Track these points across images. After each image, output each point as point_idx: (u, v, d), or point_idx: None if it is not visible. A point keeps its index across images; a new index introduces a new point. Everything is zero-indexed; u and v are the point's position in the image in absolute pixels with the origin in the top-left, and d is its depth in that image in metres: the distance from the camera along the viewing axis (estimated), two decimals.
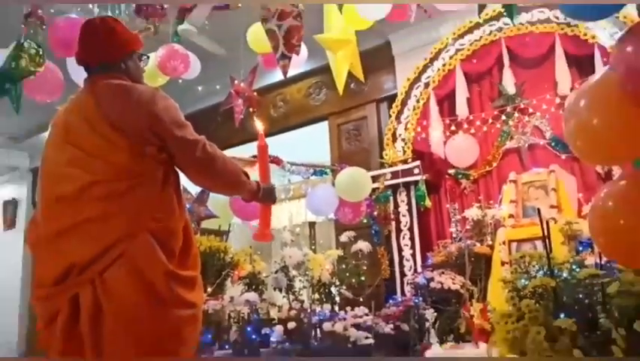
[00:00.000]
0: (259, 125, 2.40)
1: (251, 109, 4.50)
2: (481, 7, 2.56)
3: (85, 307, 1.76)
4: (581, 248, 3.57)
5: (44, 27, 4.05)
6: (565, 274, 2.17)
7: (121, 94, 1.91)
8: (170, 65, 4.42)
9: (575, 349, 1.87)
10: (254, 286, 4.20)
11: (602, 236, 1.55)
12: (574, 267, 2.20)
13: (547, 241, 2.23)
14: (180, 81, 4.79)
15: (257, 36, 3.98)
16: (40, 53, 3.95)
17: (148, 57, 2.26)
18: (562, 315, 1.97)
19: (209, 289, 3.94)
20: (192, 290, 1.91)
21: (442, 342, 3.86)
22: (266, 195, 2.16)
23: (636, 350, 1.78)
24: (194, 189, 4.25)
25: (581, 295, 2.07)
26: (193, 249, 1.97)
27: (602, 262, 2.31)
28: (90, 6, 3.89)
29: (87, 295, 1.76)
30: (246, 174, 2.07)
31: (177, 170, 1.99)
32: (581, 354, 1.86)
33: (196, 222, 4.17)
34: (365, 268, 4.82)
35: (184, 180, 4.32)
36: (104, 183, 1.83)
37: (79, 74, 2.63)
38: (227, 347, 3.79)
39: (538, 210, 2.44)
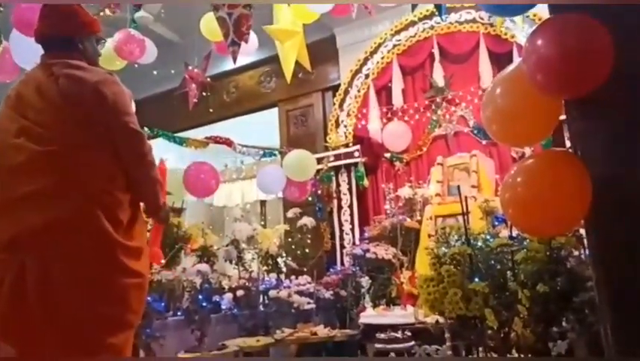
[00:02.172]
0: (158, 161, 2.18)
1: (204, 93, 4.37)
2: (414, 5, 2.54)
3: (32, 274, 1.65)
4: (496, 223, 3.68)
5: (1, 9, 3.78)
6: (480, 244, 2.23)
7: (74, 73, 1.80)
8: (127, 49, 4.23)
9: (487, 308, 1.93)
10: (206, 258, 4.12)
11: (510, 208, 1.59)
12: (488, 237, 2.27)
13: (464, 211, 2.28)
14: (136, 66, 4.60)
15: (210, 24, 3.85)
16: None
17: (105, 41, 2.13)
18: (476, 279, 2.03)
19: (163, 261, 3.82)
20: (138, 260, 1.83)
21: (375, 306, 3.93)
22: (166, 215, 2.09)
23: (538, 307, 1.86)
24: None
25: (493, 262, 2.13)
26: (140, 220, 1.89)
27: (513, 234, 2.40)
28: None
29: (34, 263, 1.66)
30: (161, 185, 1.97)
31: None
32: (491, 313, 1.92)
33: None
34: (309, 241, 4.85)
35: None
36: (53, 154, 1.72)
37: (23, 57, 2.47)
38: (179, 313, 3.71)
39: (458, 187, 2.50)
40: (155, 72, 5.39)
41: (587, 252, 1.78)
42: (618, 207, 1.44)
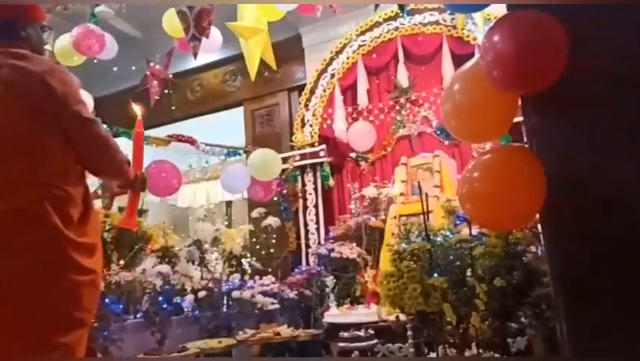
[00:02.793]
0: (137, 111, 2.12)
1: (166, 91, 4.28)
2: (377, 5, 2.55)
3: None
4: (458, 222, 3.73)
5: None
6: (439, 240, 2.24)
7: (17, 63, 1.70)
8: (85, 44, 4.10)
9: (445, 303, 1.94)
10: (167, 259, 4.02)
11: (468, 202, 1.60)
12: (447, 233, 2.29)
13: (425, 210, 2.30)
14: (96, 61, 4.46)
15: (172, 20, 3.77)
16: None
17: (50, 28, 2.04)
18: (435, 274, 2.04)
19: (122, 262, 3.71)
20: (91, 257, 1.76)
21: (339, 305, 3.92)
22: (139, 184, 1.99)
23: (495, 301, 1.88)
24: None
25: (452, 257, 2.15)
26: (92, 216, 1.81)
27: (474, 233, 2.42)
28: None
29: None
30: (129, 163, 1.90)
31: None
32: (449, 308, 1.93)
33: (109, 198, 3.90)
34: (274, 241, 4.81)
35: None
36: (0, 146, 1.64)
37: None
38: (139, 315, 3.61)
39: (419, 184, 2.50)
40: (115, 69, 5.25)
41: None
42: (572, 202, 1.46)
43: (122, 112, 5.29)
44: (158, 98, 4.30)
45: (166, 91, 4.39)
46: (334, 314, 3.80)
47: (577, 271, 1.45)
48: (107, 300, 3.28)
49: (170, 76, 4.36)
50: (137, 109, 2.09)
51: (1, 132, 1.65)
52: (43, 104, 1.69)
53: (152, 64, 4.43)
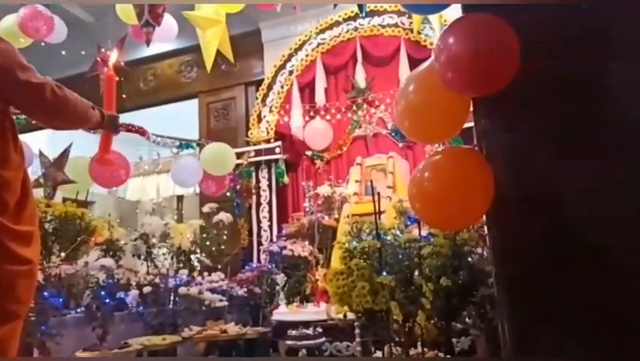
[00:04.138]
0: (113, 57, 2.42)
1: (117, 78, 4.11)
2: (336, 4, 2.55)
3: None
4: (409, 223, 3.79)
5: None
6: (389, 238, 2.27)
7: None
8: (32, 26, 3.92)
9: (392, 301, 1.96)
10: (111, 253, 3.88)
11: (417, 202, 1.62)
12: (397, 233, 2.32)
13: (376, 209, 2.32)
14: (43, 44, 4.25)
15: (126, 7, 3.65)
16: None
17: None
18: (384, 273, 2.06)
19: (63, 254, 3.56)
20: (28, 246, 1.67)
21: (289, 303, 3.90)
22: (109, 124, 2.04)
23: (440, 300, 1.92)
24: (51, 154, 3.81)
25: (401, 256, 2.18)
26: (30, 203, 1.72)
27: (423, 234, 2.46)
28: None
29: None
30: (93, 107, 1.92)
31: (12, 120, 1.72)
32: (397, 306, 1.96)
33: (51, 187, 3.73)
34: (225, 237, 4.73)
35: (41, 144, 3.86)
36: None
37: None
38: (79, 310, 3.47)
39: (371, 184, 2.53)
40: (63, 52, 5.03)
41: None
42: (518, 204, 1.51)
43: None
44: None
45: (117, 78, 4.22)
46: (283, 312, 3.78)
47: (520, 272, 1.49)
48: (46, 293, 3.14)
49: (122, 64, 4.21)
50: (114, 55, 2.37)
51: None
52: None
53: (103, 50, 4.26)
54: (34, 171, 3.62)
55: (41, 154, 3.76)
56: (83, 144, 4.10)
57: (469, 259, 2.08)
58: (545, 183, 1.44)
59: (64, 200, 4.15)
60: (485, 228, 2.02)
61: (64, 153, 3.80)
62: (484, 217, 1.67)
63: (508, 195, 1.50)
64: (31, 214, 1.73)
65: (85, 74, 4.55)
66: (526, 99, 1.48)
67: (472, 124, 1.73)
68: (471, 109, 1.70)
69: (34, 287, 1.75)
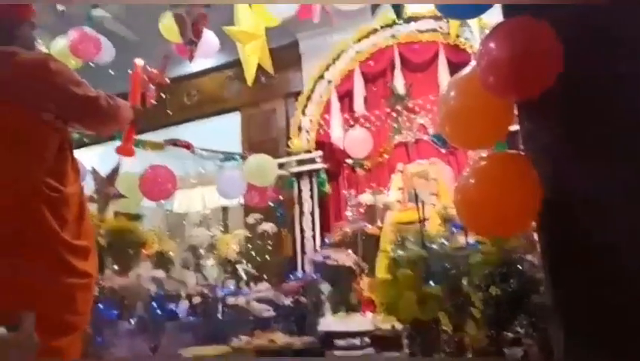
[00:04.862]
0: (139, 62, 2.59)
1: (163, 95, 4.27)
2: (374, 10, 2.56)
3: None
4: (454, 230, 3.72)
5: None
6: (435, 247, 2.24)
7: (11, 62, 1.71)
8: (82, 48, 4.12)
9: (441, 311, 1.93)
10: (162, 265, 4.01)
11: (463, 209, 1.60)
12: (443, 241, 2.29)
13: (421, 217, 2.29)
14: (92, 65, 4.46)
15: (169, 25, 3.78)
16: None
17: (39, 27, 2.06)
18: (431, 282, 2.03)
19: (116, 267, 3.69)
20: (86, 260, 1.76)
21: (334, 313, 3.89)
22: (136, 117, 2.22)
23: (490, 309, 1.87)
24: (103, 170, 3.98)
25: (448, 265, 2.14)
26: (86, 218, 1.82)
27: (470, 241, 2.42)
28: None
29: None
30: (132, 107, 2.15)
31: (71, 138, 1.82)
32: (445, 316, 1.93)
33: (104, 203, 3.89)
34: (270, 247, 4.79)
35: (94, 161, 4.03)
36: None
37: None
38: (132, 321, 3.59)
39: (415, 192, 2.51)
40: (111, 71, 5.24)
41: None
42: (567, 209, 1.46)
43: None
44: (154, 102, 4.28)
45: (162, 95, 4.37)
46: (330, 322, 3.77)
47: (573, 280, 1.45)
48: (100, 306, 3.27)
49: (167, 80, 4.35)
50: (140, 60, 2.57)
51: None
52: (42, 100, 1.69)
53: (148, 67, 4.42)
54: (87, 187, 3.79)
55: (94, 171, 3.93)
56: (133, 160, 4.28)
57: (519, 267, 2.02)
58: (595, 186, 1.39)
59: (116, 214, 4.31)
60: (535, 234, 1.97)
61: (116, 169, 3.96)
62: (534, 223, 1.64)
63: (557, 199, 1.47)
64: (88, 229, 1.82)
65: None
66: (571, 101, 1.44)
67: (517, 127, 1.70)
68: (516, 112, 1.68)
69: (92, 300, 1.84)
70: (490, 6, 1.68)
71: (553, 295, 1.50)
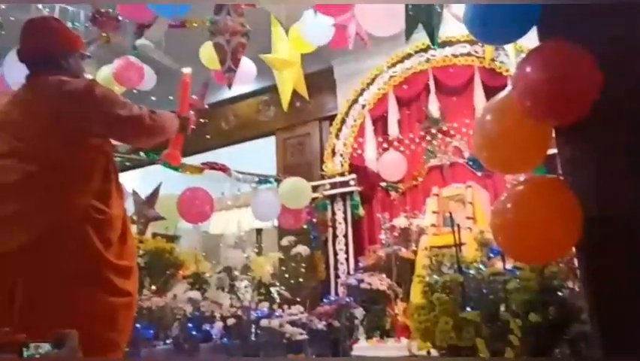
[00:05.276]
0: (186, 70, 2.70)
1: (202, 120, 4.39)
2: (408, 35, 2.60)
3: (20, 295, 1.63)
4: (492, 255, 3.65)
5: (2, 32, 3.84)
6: (472, 272, 2.20)
7: (59, 89, 1.81)
8: (126, 76, 4.29)
9: (478, 338, 1.89)
10: (197, 286, 4.07)
11: (501, 234, 1.58)
12: (480, 266, 2.25)
13: (457, 241, 2.27)
14: (136, 91, 4.64)
15: (209, 53, 3.92)
16: None
17: (89, 56, 2.17)
18: (468, 308, 2.00)
19: (154, 287, 3.77)
20: (128, 279, 1.82)
21: (368, 337, 3.85)
22: (182, 126, 2.32)
23: (529, 337, 1.82)
24: (143, 192, 4.11)
25: (485, 291, 2.10)
26: (129, 239, 1.88)
27: (508, 267, 2.37)
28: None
29: (23, 284, 1.64)
30: (177, 115, 2.24)
31: (115, 163, 1.90)
32: (483, 343, 1.88)
33: (143, 224, 4.01)
34: (303, 270, 4.80)
35: (134, 184, 4.17)
36: (43, 173, 1.72)
37: (15, 78, 2.52)
38: (168, 341, 3.64)
39: (450, 215, 2.48)
40: (153, 98, 5.44)
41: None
42: (609, 236, 1.43)
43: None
44: (193, 127, 4.42)
45: (202, 120, 4.50)
46: (363, 347, 3.74)
47: (615, 309, 1.40)
48: (138, 325, 3.33)
49: (206, 106, 4.49)
50: (187, 70, 2.67)
51: (47, 160, 1.74)
52: (88, 124, 1.78)
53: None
54: (127, 209, 3.92)
55: (134, 193, 4.06)
56: (172, 183, 4.40)
57: (559, 294, 1.96)
58: (637, 213, 1.35)
59: (154, 235, 4.42)
60: (575, 260, 1.92)
61: (155, 192, 4.08)
62: (574, 249, 1.60)
63: (597, 225, 1.43)
64: (131, 250, 1.88)
65: None
66: (610, 124, 1.42)
67: (555, 151, 1.68)
68: (553, 136, 1.66)
69: (133, 318, 1.89)
70: (526, 32, 1.68)
71: (594, 324, 1.46)
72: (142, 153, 4.26)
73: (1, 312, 1.63)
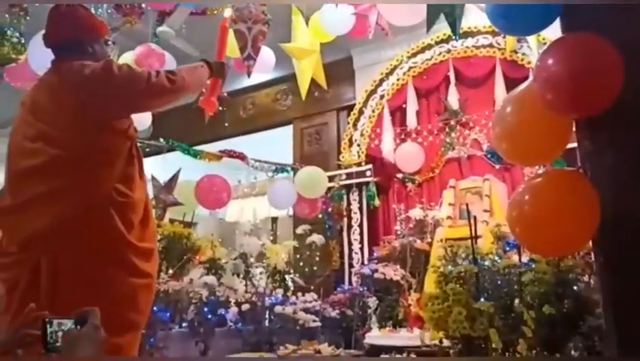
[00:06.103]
0: (227, 13, 2.61)
1: (221, 108, 4.44)
2: (429, 25, 2.59)
3: (45, 274, 1.69)
4: (508, 248, 3.64)
5: (27, 18, 3.91)
6: (487, 264, 2.21)
7: (81, 73, 1.84)
8: (147, 63, 4.33)
9: (491, 328, 1.91)
10: (213, 271, 4.13)
11: (518, 227, 1.58)
12: (495, 258, 2.25)
13: (473, 232, 2.27)
14: None
15: (229, 41, 3.95)
16: (22, 41, 3.81)
17: (114, 43, 2.21)
18: (482, 299, 2.01)
19: (171, 271, 3.84)
20: (148, 261, 1.87)
21: (381, 327, 3.88)
22: (218, 71, 2.29)
23: (543, 329, 1.83)
24: (162, 178, 4.17)
25: (499, 282, 2.11)
26: (150, 223, 1.93)
27: (524, 260, 2.37)
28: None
29: (47, 263, 1.70)
30: (202, 65, 2.19)
31: (139, 148, 1.94)
32: (496, 334, 1.90)
33: (162, 209, 4.07)
34: (317, 258, 4.84)
35: (153, 169, 4.21)
36: (69, 157, 1.77)
37: (39, 63, 2.55)
38: (184, 325, 3.71)
39: (467, 208, 2.48)
40: None
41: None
42: (626, 230, 1.43)
43: (179, 126, 5.57)
44: (212, 114, 4.46)
45: (220, 108, 4.55)
46: (376, 336, 3.77)
47: (631, 303, 1.41)
48: (155, 308, 3.40)
49: (225, 94, 4.53)
50: (228, 11, 2.58)
51: (72, 143, 1.79)
52: (114, 104, 1.82)
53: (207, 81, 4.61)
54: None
55: (153, 178, 4.13)
56: (191, 169, 4.47)
57: (575, 287, 1.96)
58: None
59: (171, 221, 4.50)
60: (592, 254, 1.91)
61: (174, 178, 4.15)
62: (590, 243, 1.60)
63: (616, 219, 1.43)
64: (152, 233, 1.93)
65: (192, 104, 4.95)
66: (631, 118, 1.41)
67: (575, 144, 1.67)
68: (574, 129, 1.65)
69: (152, 300, 1.94)
70: (549, 23, 1.66)
71: (609, 318, 1.46)
72: (162, 140, 4.32)
73: (27, 290, 1.69)
